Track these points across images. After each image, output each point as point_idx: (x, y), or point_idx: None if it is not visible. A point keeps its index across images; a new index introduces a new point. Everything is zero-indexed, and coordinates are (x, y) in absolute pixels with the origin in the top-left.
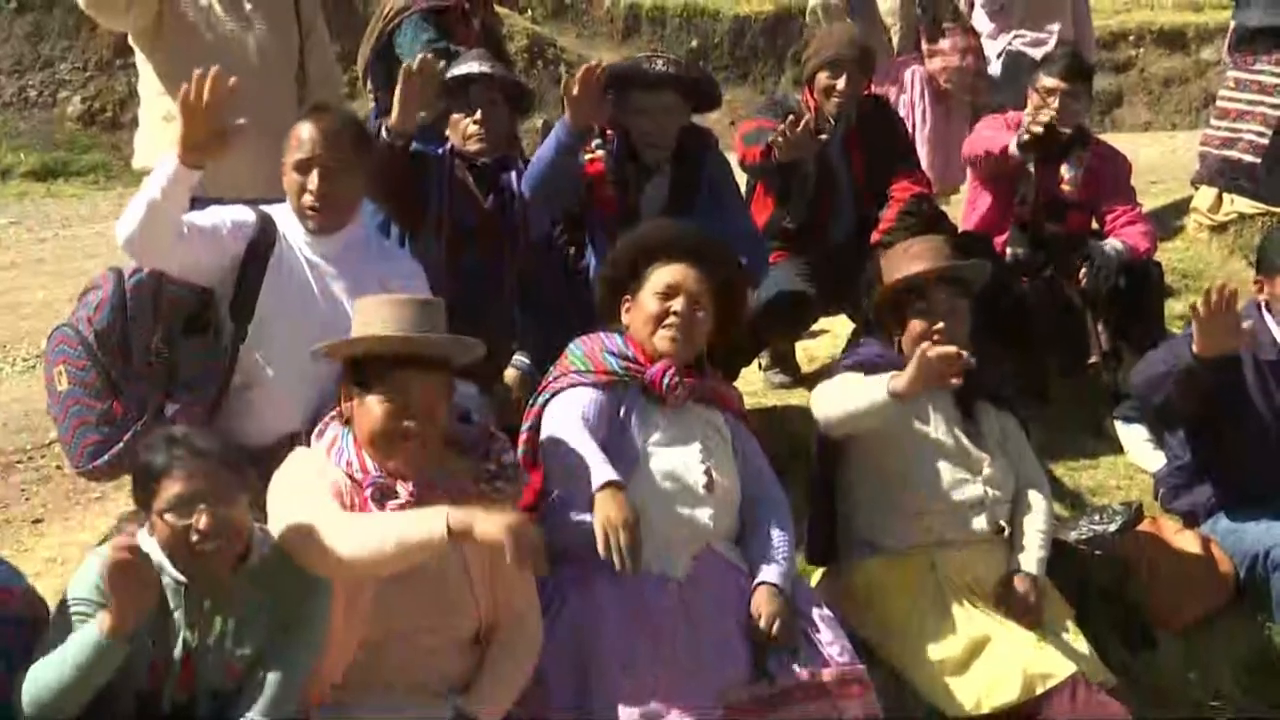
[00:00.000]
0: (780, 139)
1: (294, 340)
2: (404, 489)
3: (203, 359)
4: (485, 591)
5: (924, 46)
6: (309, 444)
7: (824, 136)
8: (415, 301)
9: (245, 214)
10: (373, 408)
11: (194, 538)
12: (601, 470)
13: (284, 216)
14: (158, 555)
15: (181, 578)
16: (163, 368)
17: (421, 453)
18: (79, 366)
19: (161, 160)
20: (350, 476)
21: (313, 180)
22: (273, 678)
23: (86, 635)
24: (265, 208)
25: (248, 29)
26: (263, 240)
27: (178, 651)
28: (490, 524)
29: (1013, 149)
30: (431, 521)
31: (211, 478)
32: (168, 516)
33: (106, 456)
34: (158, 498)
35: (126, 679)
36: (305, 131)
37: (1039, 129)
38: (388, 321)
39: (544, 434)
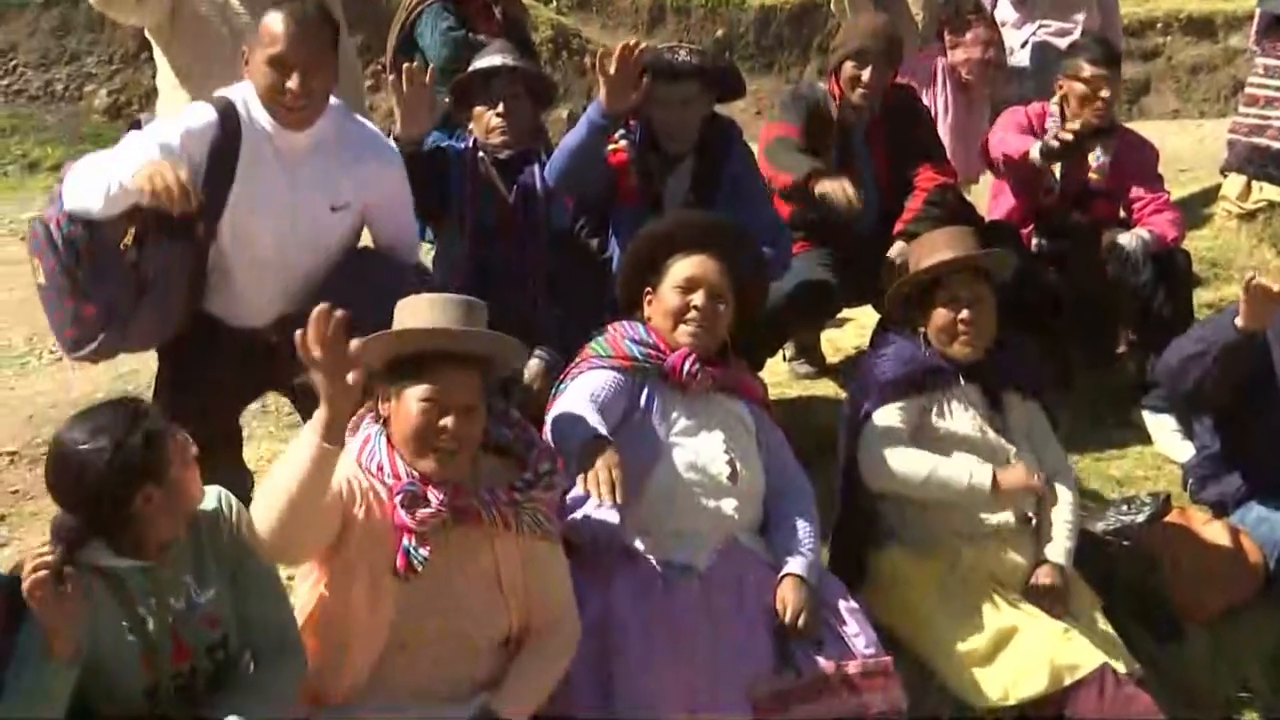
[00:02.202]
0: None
1: (270, 232)
2: (435, 496)
3: (175, 258)
4: (517, 596)
5: (946, 37)
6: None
7: (860, 206)
8: (459, 300)
9: (202, 118)
10: (410, 403)
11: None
12: (587, 429)
13: (250, 104)
14: (108, 558)
15: (139, 563)
16: (132, 268)
17: (458, 457)
18: (49, 266)
19: None
20: (380, 480)
21: (294, 80)
22: (267, 641)
23: (38, 665)
24: (227, 93)
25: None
26: (225, 138)
27: (162, 633)
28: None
29: (1034, 155)
30: (305, 442)
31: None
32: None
33: (84, 352)
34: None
35: (123, 682)
36: (279, 24)
37: (1069, 136)
38: (431, 318)
39: (551, 413)
